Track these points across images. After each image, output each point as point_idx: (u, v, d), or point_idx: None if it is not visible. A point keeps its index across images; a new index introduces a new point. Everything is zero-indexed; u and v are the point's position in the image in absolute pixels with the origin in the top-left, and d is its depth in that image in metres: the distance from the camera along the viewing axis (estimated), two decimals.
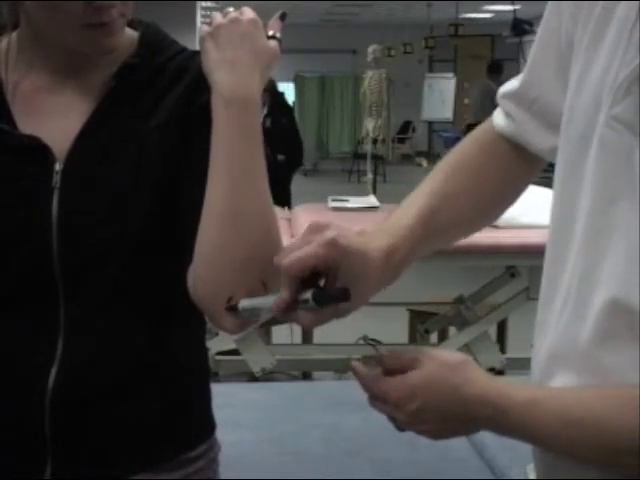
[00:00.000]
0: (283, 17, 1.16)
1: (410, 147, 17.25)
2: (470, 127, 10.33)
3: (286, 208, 4.89)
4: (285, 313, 0.98)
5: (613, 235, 0.88)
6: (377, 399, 0.99)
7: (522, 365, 3.18)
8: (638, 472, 0.86)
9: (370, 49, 8.49)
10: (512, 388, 0.94)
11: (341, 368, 3.92)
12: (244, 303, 1.04)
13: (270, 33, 1.13)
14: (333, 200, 4.57)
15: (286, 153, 6.92)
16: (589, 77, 0.93)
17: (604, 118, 0.89)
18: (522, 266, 3.93)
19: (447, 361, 0.97)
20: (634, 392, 0.85)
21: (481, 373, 0.97)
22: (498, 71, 10.90)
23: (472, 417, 0.95)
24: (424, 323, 4.46)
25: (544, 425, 0.91)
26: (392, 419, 0.99)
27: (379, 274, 1.03)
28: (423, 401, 0.95)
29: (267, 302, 1.00)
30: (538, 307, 1.03)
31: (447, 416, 0.95)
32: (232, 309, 1.05)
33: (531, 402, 0.93)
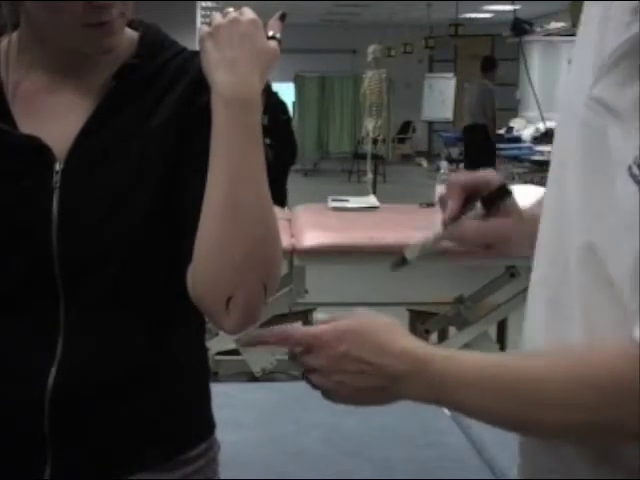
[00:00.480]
0: (283, 17, 1.16)
1: (410, 147, 17.25)
2: (468, 129, 10.30)
3: (286, 208, 4.89)
4: (453, 224, 1.16)
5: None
6: (306, 346, 0.99)
7: None
8: (550, 428, 0.87)
9: (370, 49, 8.50)
10: (437, 348, 0.96)
11: None
12: (411, 254, 1.15)
13: (270, 33, 1.13)
14: (333, 200, 4.57)
15: (280, 151, 6.93)
16: (577, 60, 0.97)
17: (584, 99, 0.91)
18: (522, 266, 3.93)
19: (378, 317, 0.99)
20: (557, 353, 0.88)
21: (409, 335, 0.98)
22: (492, 67, 10.80)
23: (390, 373, 0.93)
24: (424, 323, 4.47)
25: (461, 374, 0.91)
26: (311, 373, 0.98)
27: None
28: (348, 346, 0.95)
29: (430, 237, 1.18)
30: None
31: (366, 369, 0.94)
32: (402, 263, 1.17)
33: (451, 356, 0.94)
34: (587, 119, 0.90)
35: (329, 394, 0.99)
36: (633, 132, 0.84)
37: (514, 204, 1.20)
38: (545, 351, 0.92)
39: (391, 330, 0.97)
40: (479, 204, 1.17)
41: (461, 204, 1.18)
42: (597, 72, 0.89)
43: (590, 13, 0.95)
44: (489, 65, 10.64)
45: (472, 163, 9.95)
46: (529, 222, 1.15)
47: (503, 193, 1.17)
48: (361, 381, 0.95)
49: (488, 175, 1.21)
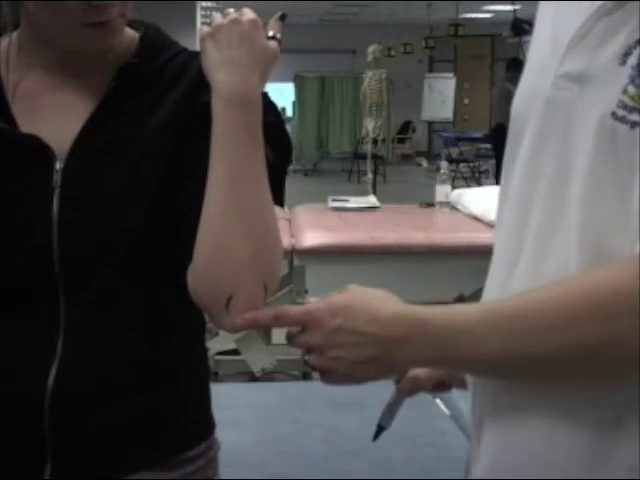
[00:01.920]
0: (283, 18, 1.16)
1: (410, 147, 17.25)
2: (496, 128, 10.44)
3: (286, 208, 4.89)
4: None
5: (569, 205, 0.92)
6: (301, 325, 0.98)
7: None
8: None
9: (370, 49, 8.49)
10: (434, 307, 0.96)
11: None
12: (384, 420, 1.24)
13: (270, 34, 1.13)
14: (333, 200, 4.57)
15: (275, 152, 6.92)
16: (533, 56, 1.04)
17: (551, 80, 0.96)
18: None
19: (370, 290, 0.99)
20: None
21: (403, 303, 0.97)
22: (515, 69, 10.74)
23: (385, 340, 0.93)
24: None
25: (462, 322, 0.91)
26: (308, 352, 0.98)
27: None
28: (342, 320, 0.95)
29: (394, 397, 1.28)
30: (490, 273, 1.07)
31: (362, 341, 0.94)
32: (380, 431, 1.28)
33: (450, 310, 0.94)
34: (554, 100, 0.95)
35: (327, 374, 0.98)
36: (612, 82, 0.89)
37: None
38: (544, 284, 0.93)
39: (383, 298, 0.97)
40: None
41: None
42: (565, 49, 0.94)
43: (544, 13, 1.04)
44: (512, 66, 10.62)
45: (499, 160, 10.17)
46: None
47: None
48: (357, 353, 0.94)
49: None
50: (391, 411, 1.10)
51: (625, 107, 0.88)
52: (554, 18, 1.01)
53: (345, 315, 0.95)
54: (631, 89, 0.87)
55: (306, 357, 0.98)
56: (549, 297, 0.89)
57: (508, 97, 10.08)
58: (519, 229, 1.00)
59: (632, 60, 0.88)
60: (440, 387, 1.26)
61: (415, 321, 0.93)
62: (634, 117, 0.87)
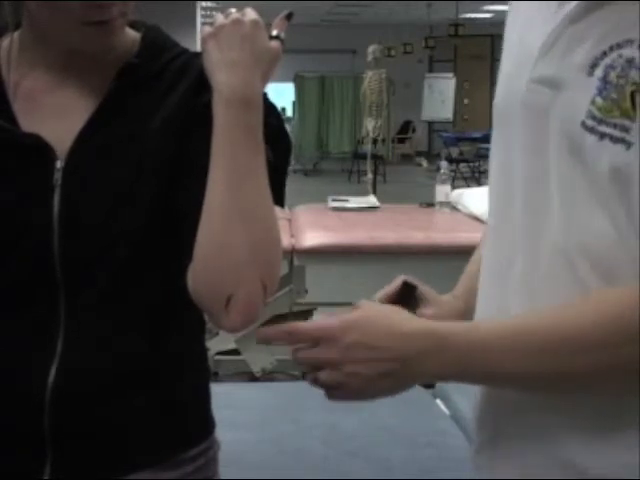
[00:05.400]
0: (289, 17, 1.16)
1: (410, 147, 17.26)
2: None
3: (286, 208, 4.89)
4: None
5: (550, 204, 0.94)
6: (313, 340, 0.96)
7: None
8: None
9: (370, 49, 8.49)
10: (453, 322, 0.97)
11: None
12: None
13: (274, 33, 1.13)
14: (333, 200, 4.57)
15: (276, 152, 6.90)
16: (507, 58, 1.05)
17: (525, 83, 0.97)
18: None
19: (382, 305, 1.00)
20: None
21: (418, 318, 0.98)
22: None
23: (403, 355, 0.93)
24: None
25: (490, 340, 0.92)
26: (314, 370, 0.96)
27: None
28: (358, 335, 0.94)
29: None
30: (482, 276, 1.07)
31: (380, 356, 0.93)
32: None
33: (473, 326, 0.96)
34: (528, 103, 0.97)
35: (336, 391, 0.96)
36: (581, 92, 0.91)
37: (428, 295, 1.21)
38: (570, 303, 0.93)
39: (399, 314, 0.97)
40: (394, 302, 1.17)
41: None
42: (537, 54, 0.96)
43: (516, 13, 1.06)
44: None
45: None
46: (457, 301, 1.22)
47: (409, 288, 1.20)
48: (373, 368, 0.93)
49: (396, 281, 1.21)
50: None
51: (594, 118, 0.89)
52: (525, 21, 1.03)
53: (361, 331, 0.94)
54: (599, 100, 0.89)
55: (310, 374, 0.96)
56: (582, 319, 0.89)
57: None
58: (503, 227, 1.02)
59: (598, 72, 0.90)
60: None
61: (434, 336, 0.93)
62: (602, 129, 0.88)
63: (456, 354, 0.92)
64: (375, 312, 0.97)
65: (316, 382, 0.97)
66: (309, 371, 0.98)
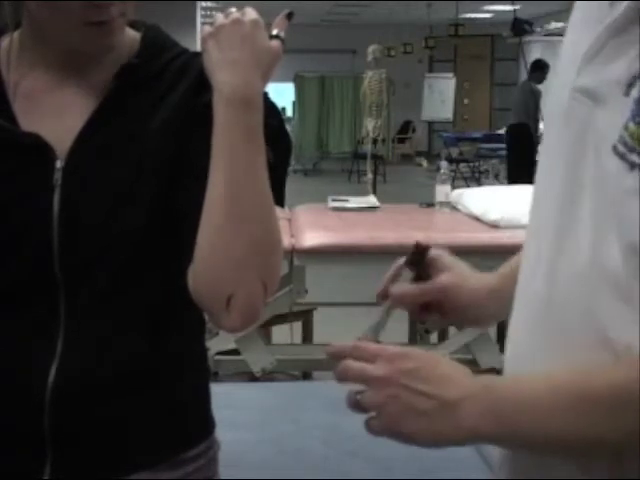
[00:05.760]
0: (290, 16, 1.16)
1: (410, 147, 17.25)
2: (512, 127, 10.34)
3: (286, 208, 4.90)
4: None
5: (579, 226, 0.90)
6: (371, 357, 0.93)
7: None
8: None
9: (370, 49, 8.49)
10: (496, 377, 0.94)
11: None
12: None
13: (274, 32, 1.13)
14: (333, 200, 4.57)
15: (276, 152, 6.90)
16: (562, 60, 0.99)
17: (569, 92, 0.92)
18: None
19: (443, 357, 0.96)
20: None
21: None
22: (539, 69, 10.58)
23: (448, 399, 0.88)
24: (424, 323, 4.46)
25: (527, 395, 0.88)
26: (359, 391, 0.92)
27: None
28: (415, 365, 0.91)
29: (381, 314, 1.15)
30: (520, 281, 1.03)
31: (426, 391, 0.89)
32: None
33: (513, 379, 0.93)
34: (571, 110, 0.92)
35: (374, 420, 0.92)
36: (617, 112, 0.85)
37: (444, 259, 1.18)
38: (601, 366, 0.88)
39: (463, 370, 0.93)
40: (405, 268, 1.17)
41: (391, 279, 1.18)
42: (580, 62, 0.91)
43: (575, 14, 0.99)
44: (536, 67, 10.57)
45: (514, 160, 10.02)
46: (490, 276, 1.18)
47: (421, 249, 1.17)
48: (416, 402, 0.89)
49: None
50: (375, 330, 1.08)
51: (625, 144, 0.84)
52: (579, 21, 0.97)
53: (419, 362, 0.91)
54: (632, 126, 0.84)
55: (358, 396, 0.92)
56: (612, 388, 0.84)
57: (534, 96, 10.07)
58: (533, 234, 0.99)
59: (634, 93, 0.84)
60: (426, 311, 1.21)
61: (479, 383, 0.90)
62: (633, 158, 0.83)
63: (493, 404, 0.88)
64: (438, 358, 0.94)
65: (356, 403, 0.93)
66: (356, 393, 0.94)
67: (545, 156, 1.01)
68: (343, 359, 0.93)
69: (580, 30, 0.95)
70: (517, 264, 1.08)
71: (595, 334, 0.88)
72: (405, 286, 1.17)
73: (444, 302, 1.18)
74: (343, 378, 0.93)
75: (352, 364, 0.93)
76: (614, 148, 0.85)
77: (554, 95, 1.00)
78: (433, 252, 1.18)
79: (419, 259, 1.17)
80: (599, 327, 0.87)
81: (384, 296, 1.17)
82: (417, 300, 1.19)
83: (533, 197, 1.03)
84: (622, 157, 0.84)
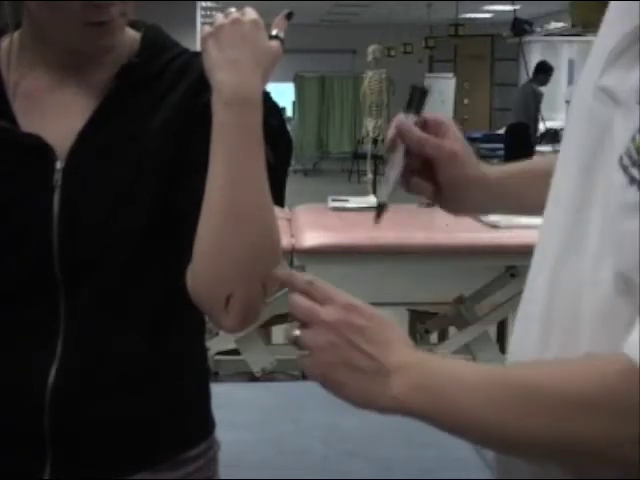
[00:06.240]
0: (289, 16, 1.16)
1: None
2: (511, 127, 10.34)
3: (286, 208, 4.90)
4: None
5: (588, 232, 0.87)
6: (321, 297, 0.90)
7: None
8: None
9: (370, 49, 8.48)
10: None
11: None
12: (382, 196, 1.14)
13: (273, 32, 1.13)
14: (333, 200, 4.57)
15: (276, 152, 6.91)
16: (590, 59, 0.96)
17: (592, 91, 0.90)
18: (522, 266, 3.93)
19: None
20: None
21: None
22: (543, 71, 10.52)
23: (386, 364, 0.87)
24: (424, 323, 4.47)
25: (464, 375, 0.86)
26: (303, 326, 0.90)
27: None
28: (366, 323, 0.89)
29: (395, 172, 1.14)
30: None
31: (367, 350, 0.87)
32: (381, 210, 1.14)
33: (449, 359, 0.92)
34: (594, 110, 0.89)
35: (307, 359, 0.90)
36: (629, 120, 0.82)
37: (462, 138, 1.18)
38: (550, 361, 0.88)
39: (402, 338, 0.92)
40: (407, 115, 1.17)
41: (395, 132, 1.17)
42: (605, 62, 0.89)
43: (609, 12, 0.95)
44: (540, 69, 10.55)
45: (513, 159, 9.96)
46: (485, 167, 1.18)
47: (420, 91, 1.19)
48: (355, 357, 0.88)
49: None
50: (388, 183, 1.08)
51: (630, 157, 0.80)
52: (610, 19, 0.94)
53: (369, 321, 0.89)
54: (638, 139, 0.80)
55: (297, 332, 0.90)
56: (566, 383, 0.81)
57: (536, 97, 10.06)
58: (543, 235, 0.97)
59: None
60: (418, 176, 1.18)
61: (417, 355, 0.89)
62: (634, 172, 0.80)
63: (426, 378, 0.87)
64: (390, 323, 0.92)
65: (296, 339, 0.91)
66: (291, 321, 0.91)
67: (565, 153, 0.98)
68: (294, 291, 0.91)
69: (609, 29, 0.92)
70: (527, 166, 1.09)
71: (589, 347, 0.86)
72: (417, 130, 1.16)
73: (445, 169, 1.17)
74: (291, 312, 0.91)
75: (302, 301, 0.91)
76: (620, 159, 0.82)
77: (580, 89, 0.97)
78: (447, 121, 1.18)
79: (418, 103, 1.17)
80: (587, 346, 0.86)
81: (393, 147, 1.15)
82: (423, 148, 1.16)
83: (550, 190, 1.00)
84: (625, 170, 0.81)
